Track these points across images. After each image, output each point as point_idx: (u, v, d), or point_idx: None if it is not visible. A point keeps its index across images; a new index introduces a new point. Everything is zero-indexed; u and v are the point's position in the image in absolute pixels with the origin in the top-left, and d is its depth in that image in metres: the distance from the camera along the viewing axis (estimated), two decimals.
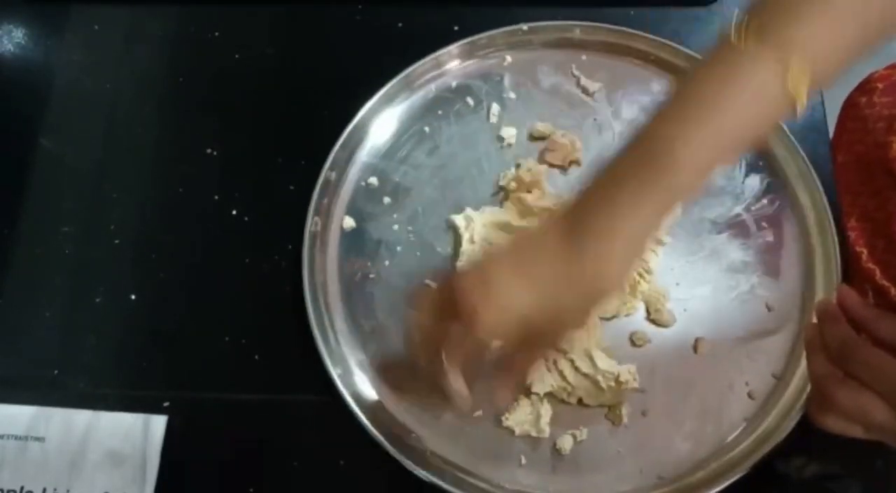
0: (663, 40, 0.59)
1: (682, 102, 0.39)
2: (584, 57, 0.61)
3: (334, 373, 0.51)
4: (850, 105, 0.69)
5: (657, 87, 0.60)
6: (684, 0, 0.63)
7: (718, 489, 0.48)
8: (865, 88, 0.67)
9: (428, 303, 0.44)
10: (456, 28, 0.61)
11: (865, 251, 0.61)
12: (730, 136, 0.38)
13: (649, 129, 0.40)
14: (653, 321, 0.53)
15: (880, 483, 0.49)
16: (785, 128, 0.56)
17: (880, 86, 0.65)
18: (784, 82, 0.37)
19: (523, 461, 0.50)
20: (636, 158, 0.39)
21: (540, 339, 0.43)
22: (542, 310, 0.40)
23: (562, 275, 0.40)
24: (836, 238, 0.54)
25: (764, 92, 0.37)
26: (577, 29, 0.60)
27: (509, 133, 0.58)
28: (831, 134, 0.61)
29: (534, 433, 0.50)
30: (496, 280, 0.41)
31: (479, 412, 0.51)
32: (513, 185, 0.56)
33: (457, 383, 0.45)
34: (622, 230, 0.39)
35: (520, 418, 0.51)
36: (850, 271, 0.54)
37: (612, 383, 0.50)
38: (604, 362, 0.50)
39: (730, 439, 0.51)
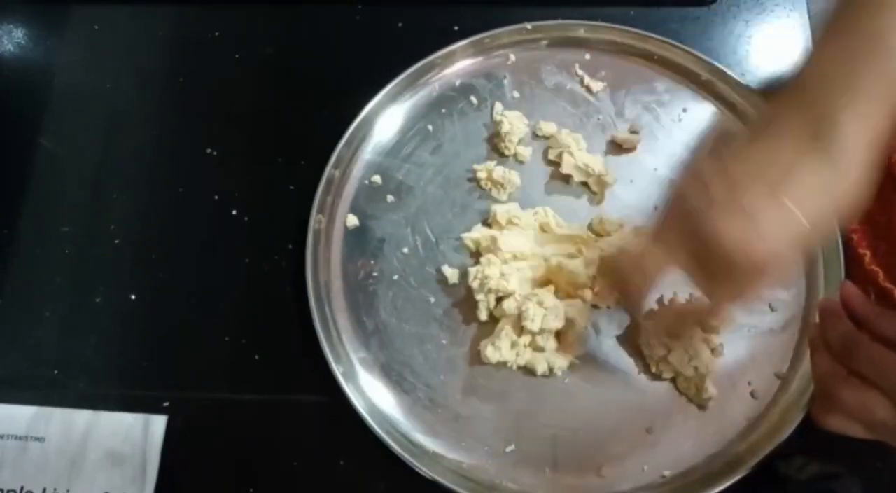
0: (667, 40, 0.59)
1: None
2: (587, 56, 0.61)
3: (337, 372, 0.51)
4: None
5: (661, 86, 0.60)
6: (685, 0, 0.63)
7: (721, 487, 0.48)
8: None
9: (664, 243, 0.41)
10: (456, 28, 0.61)
11: (868, 253, 0.61)
12: None
13: (859, 9, 0.37)
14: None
15: (880, 483, 0.49)
16: None
17: None
18: None
19: (524, 460, 0.50)
20: (855, 46, 0.36)
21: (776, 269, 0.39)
22: (812, 229, 0.37)
23: (821, 185, 0.37)
24: (839, 238, 0.54)
25: None
26: (581, 28, 0.60)
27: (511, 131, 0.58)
28: None
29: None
30: (748, 197, 0.37)
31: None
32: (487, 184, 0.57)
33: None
34: (864, 142, 0.36)
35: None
36: (854, 274, 0.54)
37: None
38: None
39: (732, 438, 0.51)
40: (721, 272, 0.39)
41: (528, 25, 0.60)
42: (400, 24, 0.63)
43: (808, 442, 0.49)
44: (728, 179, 0.38)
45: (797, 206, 0.37)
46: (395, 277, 0.55)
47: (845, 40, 0.37)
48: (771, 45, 0.62)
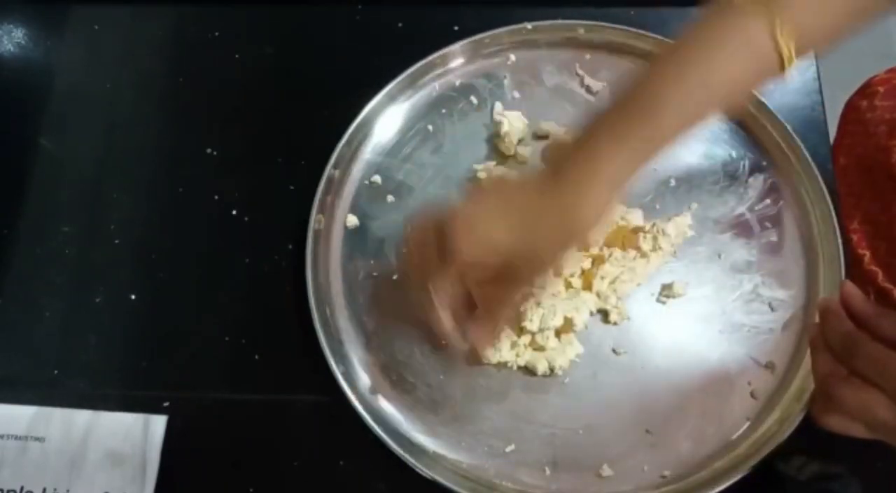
0: (667, 40, 0.59)
1: (669, 53, 0.41)
2: (587, 56, 0.61)
3: (337, 372, 0.51)
4: (850, 108, 0.69)
5: None
6: (685, 0, 0.63)
7: (721, 488, 0.48)
8: (866, 91, 0.67)
9: (418, 239, 0.46)
10: (456, 28, 0.61)
11: (868, 254, 0.61)
12: (713, 86, 0.40)
13: (637, 78, 0.41)
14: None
15: (880, 483, 0.49)
16: (788, 127, 0.56)
17: (881, 89, 0.65)
18: (773, 37, 0.38)
19: (524, 460, 0.50)
20: (620, 105, 0.41)
21: (516, 276, 0.44)
22: (519, 244, 0.42)
23: (539, 210, 0.41)
24: (839, 238, 0.54)
25: (750, 45, 0.39)
26: (580, 28, 0.60)
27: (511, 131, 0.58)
28: (831, 135, 0.61)
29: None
30: (477, 215, 0.43)
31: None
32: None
33: (445, 318, 0.45)
34: (600, 171, 0.40)
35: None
36: (853, 274, 0.54)
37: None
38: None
39: (733, 438, 0.51)
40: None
41: (528, 25, 0.60)
42: (400, 25, 0.63)
43: (808, 442, 0.49)
44: (473, 199, 0.45)
45: (515, 222, 0.42)
46: (395, 277, 0.55)
47: (619, 97, 0.42)
48: None
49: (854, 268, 0.58)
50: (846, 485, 0.48)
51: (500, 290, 0.45)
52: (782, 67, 0.39)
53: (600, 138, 0.41)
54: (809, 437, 0.49)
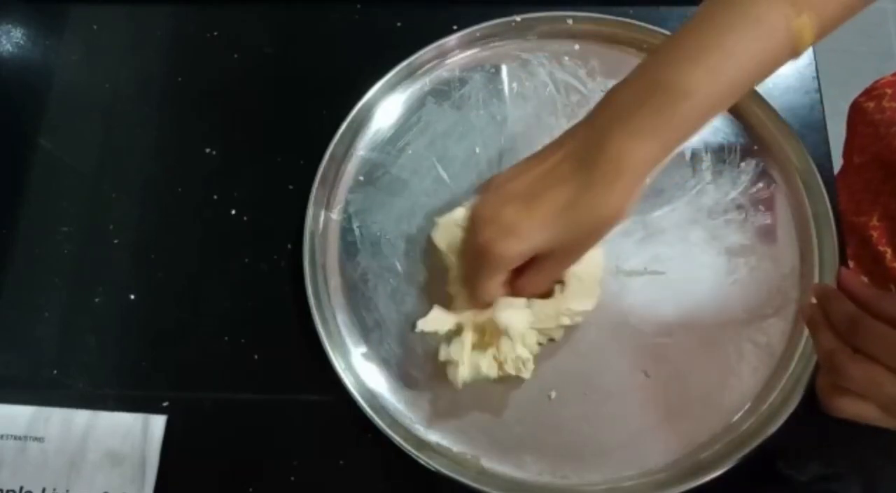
0: (654, 27, 0.59)
1: (690, 32, 0.41)
2: (576, 46, 0.61)
3: (338, 368, 0.51)
4: (857, 110, 0.68)
5: None
6: (684, 0, 0.63)
7: (722, 471, 0.48)
8: (872, 93, 0.67)
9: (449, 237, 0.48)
10: (455, 27, 0.61)
11: (889, 251, 0.60)
12: (735, 71, 0.40)
13: (658, 59, 0.41)
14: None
15: (880, 483, 0.49)
16: (777, 112, 0.56)
17: (889, 91, 0.65)
18: (786, 17, 0.39)
19: (527, 449, 0.51)
20: (644, 86, 0.41)
21: (545, 268, 0.45)
22: (553, 238, 0.42)
23: (572, 203, 0.42)
24: (833, 219, 0.54)
25: (764, 27, 0.39)
26: (569, 19, 0.61)
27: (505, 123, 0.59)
28: (831, 135, 0.61)
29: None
30: (508, 211, 0.43)
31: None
32: None
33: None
34: (629, 163, 0.41)
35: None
36: (874, 272, 0.54)
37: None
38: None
39: (733, 420, 0.51)
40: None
41: (518, 18, 0.61)
42: (399, 24, 0.63)
43: (809, 442, 0.49)
44: (495, 196, 0.45)
45: (547, 217, 0.42)
46: (394, 271, 0.55)
47: (636, 83, 0.42)
48: None
49: (874, 265, 0.57)
50: (847, 485, 0.48)
51: (530, 283, 0.46)
52: (798, 48, 0.40)
53: (624, 129, 0.41)
54: (810, 437, 0.49)
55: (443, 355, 0.49)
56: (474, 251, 0.45)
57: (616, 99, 0.43)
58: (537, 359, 0.50)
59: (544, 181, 0.43)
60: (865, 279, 0.61)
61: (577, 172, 0.42)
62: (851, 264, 0.60)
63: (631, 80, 0.43)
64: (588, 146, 0.42)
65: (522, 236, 0.42)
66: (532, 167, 0.45)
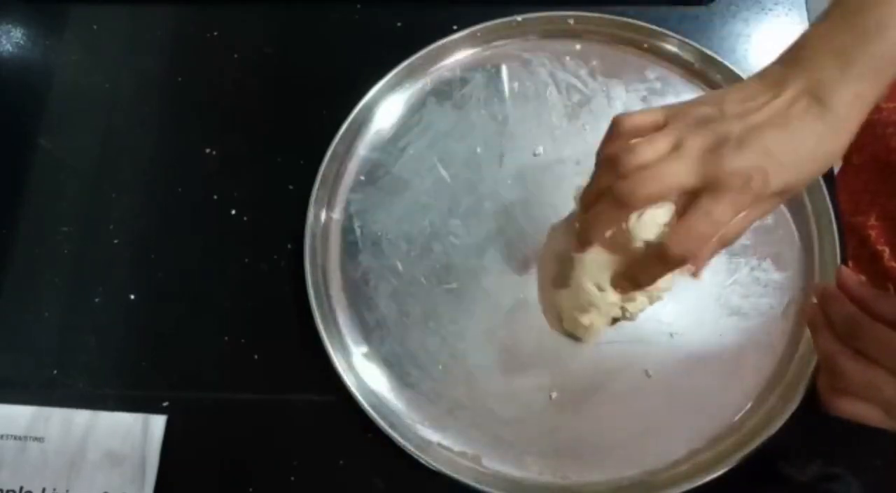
0: (654, 27, 0.60)
1: None
2: (578, 46, 0.61)
3: (339, 368, 0.51)
4: None
5: (652, 74, 0.60)
6: None
7: (723, 471, 0.48)
8: None
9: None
10: (455, 27, 0.61)
11: (887, 250, 0.60)
12: None
13: (856, 5, 0.41)
14: None
15: (880, 483, 0.49)
16: None
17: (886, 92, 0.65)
18: None
19: (528, 449, 0.51)
20: (851, 29, 0.40)
21: (761, 209, 0.42)
22: (788, 165, 0.40)
23: (818, 144, 0.40)
24: (833, 218, 0.54)
25: None
26: (570, 19, 0.61)
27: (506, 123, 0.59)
28: None
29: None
30: (761, 147, 0.40)
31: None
32: None
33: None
34: (860, 104, 0.40)
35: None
36: (871, 271, 0.54)
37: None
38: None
39: (735, 419, 0.51)
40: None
41: (519, 18, 0.61)
42: (399, 24, 0.63)
43: (810, 442, 0.49)
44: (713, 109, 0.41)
45: (788, 153, 0.39)
46: (395, 271, 0.55)
47: (845, 21, 0.41)
48: (770, 44, 0.62)
49: (873, 264, 0.57)
50: (847, 485, 0.48)
51: (735, 227, 0.42)
52: None
53: (849, 74, 0.40)
54: (810, 437, 0.49)
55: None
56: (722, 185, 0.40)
57: (827, 41, 0.41)
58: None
59: (773, 109, 0.41)
60: (864, 278, 0.61)
61: (815, 112, 0.40)
62: (850, 263, 0.60)
63: (834, 19, 0.41)
64: (816, 89, 0.40)
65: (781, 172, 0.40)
66: (750, 102, 0.41)
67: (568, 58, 0.61)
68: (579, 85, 0.60)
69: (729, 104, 0.42)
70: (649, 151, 0.41)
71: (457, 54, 0.61)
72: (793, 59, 0.42)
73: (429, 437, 0.51)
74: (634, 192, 0.41)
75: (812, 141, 0.40)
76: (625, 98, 0.60)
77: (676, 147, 0.41)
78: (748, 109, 0.41)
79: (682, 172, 0.40)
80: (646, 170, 0.40)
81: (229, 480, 0.51)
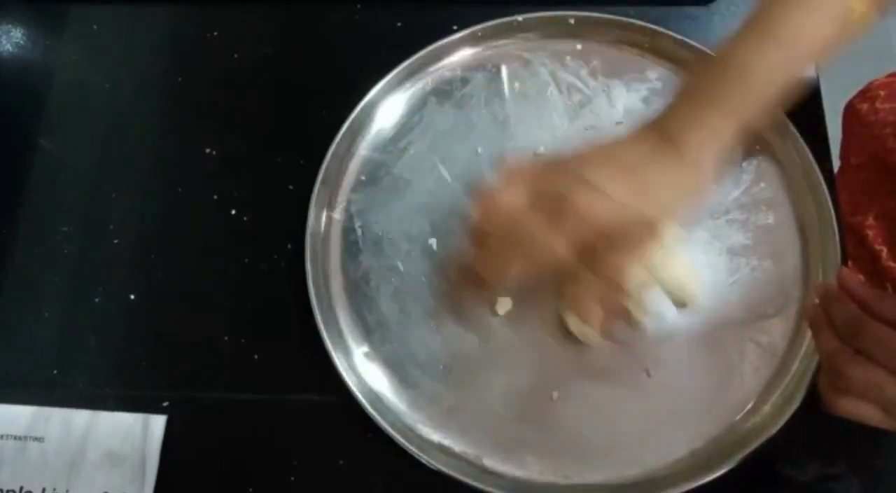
0: (655, 27, 0.60)
1: (752, 18, 0.43)
2: (578, 46, 0.61)
3: (340, 368, 0.51)
4: (851, 112, 0.69)
5: (652, 74, 0.60)
6: None
7: (723, 471, 0.48)
8: (866, 95, 0.67)
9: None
10: (455, 27, 0.61)
11: (885, 249, 0.61)
12: (794, 48, 0.42)
13: (726, 46, 0.43)
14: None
15: (881, 483, 0.49)
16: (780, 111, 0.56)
17: (882, 93, 0.65)
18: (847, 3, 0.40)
19: (530, 449, 0.51)
20: (712, 71, 0.43)
21: (629, 240, 0.43)
22: (642, 204, 0.41)
23: (660, 170, 0.42)
24: (834, 219, 0.54)
25: (827, 10, 0.40)
26: (571, 19, 0.61)
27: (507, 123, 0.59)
28: (830, 134, 0.61)
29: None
30: (597, 178, 0.41)
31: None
32: None
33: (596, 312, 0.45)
34: (712, 135, 0.42)
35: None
36: (869, 271, 0.54)
37: None
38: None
39: (736, 419, 0.51)
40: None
41: (519, 17, 0.61)
42: (399, 24, 0.63)
43: (810, 443, 0.49)
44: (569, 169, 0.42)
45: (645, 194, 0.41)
46: (396, 271, 0.55)
47: (714, 64, 0.44)
48: None
49: (870, 264, 0.58)
50: (847, 486, 0.48)
51: (614, 259, 0.44)
52: (860, 23, 0.40)
53: (704, 106, 0.42)
54: (810, 438, 0.49)
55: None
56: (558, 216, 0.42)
57: (695, 85, 0.44)
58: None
59: (629, 151, 0.43)
60: (862, 278, 0.61)
61: (663, 143, 0.42)
62: (849, 263, 0.60)
63: (707, 63, 0.44)
64: (669, 134, 0.42)
65: (622, 199, 0.41)
66: (607, 149, 0.44)
67: (568, 58, 0.61)
68: (580, 85, 0.60)
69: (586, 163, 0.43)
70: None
71: (457, 54, 0.61)
72: (663, 107, 0.44)
73: (429, 437, 0.51)
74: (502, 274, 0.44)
75: (668, 178, 0.42)
76: (625, 98, 0.60)
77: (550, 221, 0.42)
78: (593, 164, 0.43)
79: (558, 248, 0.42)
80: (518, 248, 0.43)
81: (229, 480, 0.51)
